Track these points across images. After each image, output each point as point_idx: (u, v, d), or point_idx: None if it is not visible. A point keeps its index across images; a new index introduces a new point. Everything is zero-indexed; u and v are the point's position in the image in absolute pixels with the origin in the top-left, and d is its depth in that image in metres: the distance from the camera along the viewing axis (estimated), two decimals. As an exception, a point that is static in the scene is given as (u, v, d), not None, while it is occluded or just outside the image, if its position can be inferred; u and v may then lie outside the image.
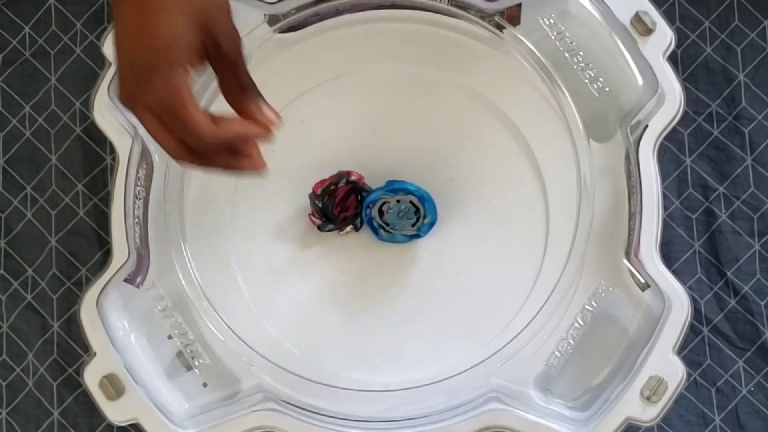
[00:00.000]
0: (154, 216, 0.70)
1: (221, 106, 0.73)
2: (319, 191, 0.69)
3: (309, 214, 0.70)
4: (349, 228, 0.70)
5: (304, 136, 0.72)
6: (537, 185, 0.71)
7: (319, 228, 0.70)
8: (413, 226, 0.69)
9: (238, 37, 0.53)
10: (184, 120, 0.51)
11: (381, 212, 0.68)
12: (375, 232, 0.69)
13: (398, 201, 0.68)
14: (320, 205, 0.69)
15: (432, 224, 0.69)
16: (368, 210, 0.68)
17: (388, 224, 0.69)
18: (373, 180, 0.70)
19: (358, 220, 0.70)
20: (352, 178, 0.69)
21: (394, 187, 0.68)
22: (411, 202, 0.68)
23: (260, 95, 0.55)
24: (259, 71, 0.71)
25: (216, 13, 0.52)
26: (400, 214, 0.68)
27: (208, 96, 0.71)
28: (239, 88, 0.54)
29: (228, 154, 0.54)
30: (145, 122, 0.52)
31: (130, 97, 0.51)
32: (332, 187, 0.69)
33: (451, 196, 0.71)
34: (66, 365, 0.74)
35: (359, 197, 0.70)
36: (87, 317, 0.68)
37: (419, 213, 0.68)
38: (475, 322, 0.70)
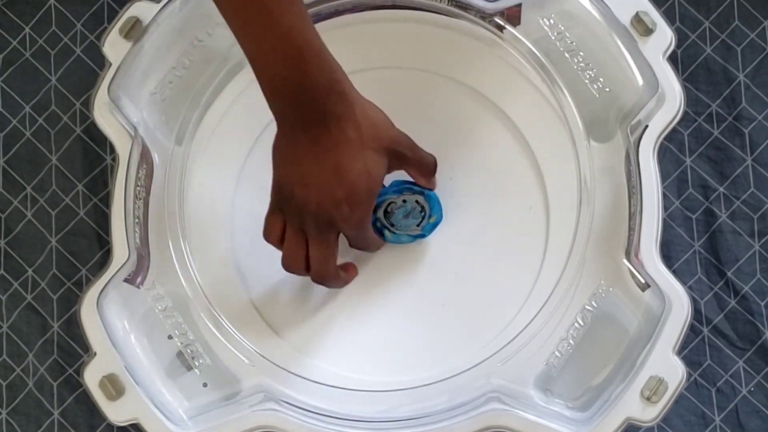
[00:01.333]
0: (154, 216, 0.70)
1: (222, 105, 0.73)
2: None
3: None
4: None
5: (304, 136, 0.72)
6: (537, 185, 0.71)
7: None
8: (418, 225, 0.68)
9: (414, 143, 0.64)
10: (369, 234, 0.65)
11: (386, 213, 0.68)
12: (380, 233, 0.68)
13: (404, 201, 0.68)
14: None
15: (437, 224, 0.69)
16: (374, 212, 0.67)
17: (393, 225, 0.68)
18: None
19: None
20: None
21: (400, 188, 0.68)
22: (417, 201, 0.68)
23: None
24: (259, 71, 0.72)
25: (396, 136, 0.61)
26: (406, 215, 0.68)
27: (209, 95, 0.71)
28: (427, 176, 0.67)
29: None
30: (294, 237, 0.61)
31: (342, 221, 0.60)
32: None
33: (451, 196, 0.71)
34: (66, 365, 0.74)
35: None
36: (87, 317, 0.68)
37: (424, 213, 0.68)
38: (475, 322, 0.70)
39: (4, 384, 0.74)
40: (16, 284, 0.75)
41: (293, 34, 0.54)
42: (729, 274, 0.73)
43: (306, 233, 0.61)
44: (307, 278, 0.64)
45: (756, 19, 0.75)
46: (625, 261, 0.67)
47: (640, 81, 0.68)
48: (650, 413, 0.65)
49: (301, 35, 0.54)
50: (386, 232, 0.68)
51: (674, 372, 0.65)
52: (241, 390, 0.69)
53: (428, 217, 0.68)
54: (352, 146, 0.57)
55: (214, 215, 0.71)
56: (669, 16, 0.73)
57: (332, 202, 0.58)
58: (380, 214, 0.68)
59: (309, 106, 0.56)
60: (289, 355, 0.70)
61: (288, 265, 0.63)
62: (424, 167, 0.65)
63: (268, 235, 0.63)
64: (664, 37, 0.69)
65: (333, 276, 0.64)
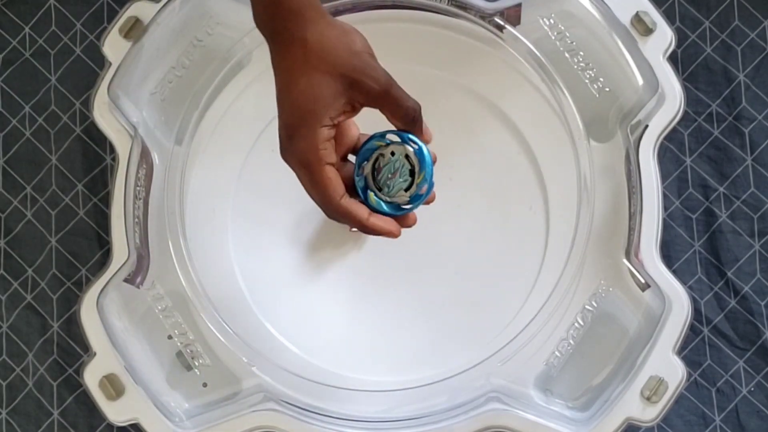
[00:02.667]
0: (154, 216, 0.70)
1: (222, 105, 0.73)
2: None
3: None
4: None
5: (304, 136, 0.72)
6: (537, 185, 0.71)
7: None
8: (406, 190, 0.57)
9: (386, 77, 0.55)
10: (315, 177, 0.55)
11: (375, 171, 0.57)
12: (363, 195, 0.57)
13: (392, 153, 0.57)
14: None
15: (423, 196, 0.58)
16: (361, 168, 0.57)
17: (380, 189, 0.57)
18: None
19: None
20: None
21: (384, 132, 0.58)
22: (407, 157, 0.57)
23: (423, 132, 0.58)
24: (259, 71, 0.72)
25: (358, 63, 0.55)
26: (393, 171, 0.57)
27: (209, 95, 0.71)
28: (405, 122, 0.57)
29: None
30: (299, 177, 0.56)
31: (283, 152, 0.55)
32: None
33: (451, 196, 0.71)
34: (66, 365, 0.74)
35: None
36: (87, 317, 0.68)
37: (414, 173, 0.57)
38: (475, 322, 0.70)
39: (4, 384, 0.74)
40: (15, 284, 0.75)
41: None
42: (729, 274, 0.73)
43: None
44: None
45: (756, 19, 0.75)
46: (625, 261, 0.67)
47: (640, 81, 0.68)
48: (650, 413, 0.65)
49: None
50: (370, 195, 0.57)
51: (674, 372, 0.65)
52: (241, 390, 0.69)
53: (416, 176, 0.57)
54: (297, 65, 0.55)
55: (214, 215, 0.71)
56: (669, 16, 0.73)
57: (282, 125, 0.55)
58: (368, 170, 0.57)
59: (272, 29, 0.56)
60: (289, 355, 0.70)
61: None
62: (399, 108, 0.56)
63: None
64: (664, 37, 0.69)
65: (342, 213, 0.56)
